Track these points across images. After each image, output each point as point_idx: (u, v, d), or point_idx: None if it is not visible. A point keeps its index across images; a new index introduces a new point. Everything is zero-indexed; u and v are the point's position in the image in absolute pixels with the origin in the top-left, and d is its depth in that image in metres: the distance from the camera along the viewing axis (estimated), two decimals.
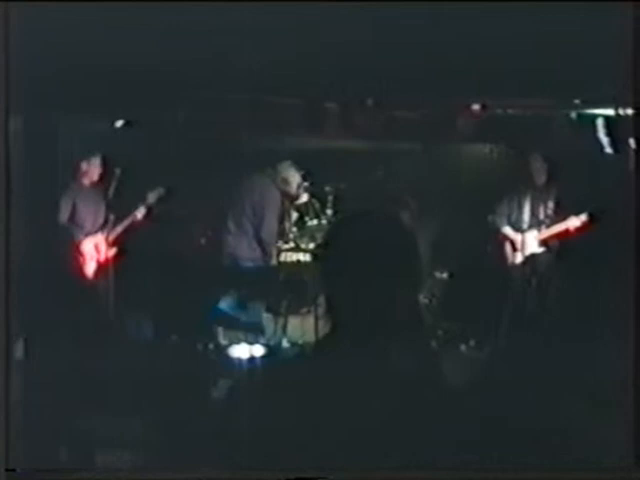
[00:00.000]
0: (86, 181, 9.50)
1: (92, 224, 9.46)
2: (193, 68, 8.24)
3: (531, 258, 9.69)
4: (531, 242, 9.72)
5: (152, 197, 9.42)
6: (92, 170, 9.46)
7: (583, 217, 9.34)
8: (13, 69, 5.27)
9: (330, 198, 10.08)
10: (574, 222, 9.41)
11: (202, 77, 8.54)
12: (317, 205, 10.14)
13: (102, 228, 9.41)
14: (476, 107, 10.04)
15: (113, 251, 9.35)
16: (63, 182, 9.51)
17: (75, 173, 9.53)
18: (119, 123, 9.54)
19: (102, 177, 9.44)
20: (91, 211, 9.49)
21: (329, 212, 10.01)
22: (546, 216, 9.71)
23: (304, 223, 10.08)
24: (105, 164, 9.40)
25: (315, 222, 10.04)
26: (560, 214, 9.59)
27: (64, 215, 9.41)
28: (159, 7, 6.83)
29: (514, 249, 9.82)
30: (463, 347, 8.38)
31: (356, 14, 7.15)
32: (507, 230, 9.87)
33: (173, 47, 7.63)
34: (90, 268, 9.40)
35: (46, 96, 8.20)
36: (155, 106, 9.24)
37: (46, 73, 7.54)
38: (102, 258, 9.38)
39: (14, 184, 5.62)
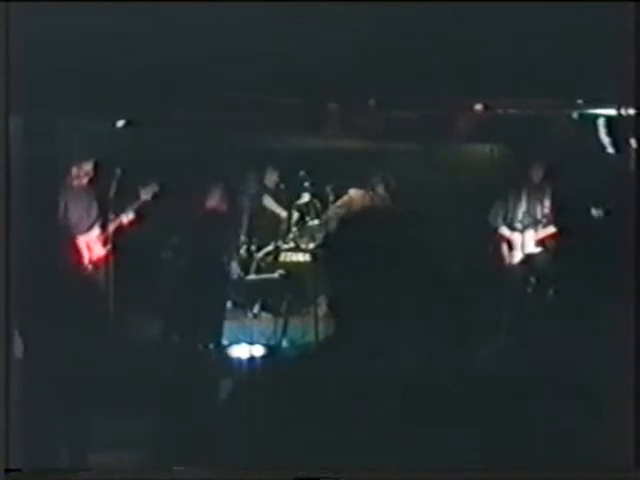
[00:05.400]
0: (80, 181, 9.51)
1: (84, 223, 9.49)
2: (192, 68, 8.24)
3: (528, 258, 9.70)
4: (528, 242, 9.72)
5: (146, 193, 9.40)
6: (86, 170, 9.48)
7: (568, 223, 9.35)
8: (13, 69, 5.27)
9: (330, 198, 10.08)
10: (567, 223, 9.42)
11: (202, 77, 8.54)
12: (318, 205, 10.14)
13: (94, 226, 9.44)
14: (478, 107, 10.03)
15: (107, 249, 9.37)
16: (62, 182, 9.52)
17: (71, 173, 9.54)
18: (120, 123, 9.54)
19: (95, 177, 9.46)
20: (84, 210, 9.51)
21: (330, 212, 10.00)
22: (544, 216, 9.71)
23: (304, 223, 10.08)
24: (98, 165, 9.42)
25: (316, 222, 10.03)
26: (559, 214, 9.60)
27: (60, 214, 9.45)
28: (158, 7, 6.83)
29: (511, 249, 9.82)
30: (463, 347, 8.35)
31: (357, 14, 7.15)
32: (504, 230, 9.86)
33: (173, 47, 7.63)
34: (86, 266, 9.41)
35: (46, 96, 8.20)
36: (155, 106, 9.24)
37: (46, 73, 7.54)
38: (96, 256, 9.41)
39: (14, 184, 5.61)
